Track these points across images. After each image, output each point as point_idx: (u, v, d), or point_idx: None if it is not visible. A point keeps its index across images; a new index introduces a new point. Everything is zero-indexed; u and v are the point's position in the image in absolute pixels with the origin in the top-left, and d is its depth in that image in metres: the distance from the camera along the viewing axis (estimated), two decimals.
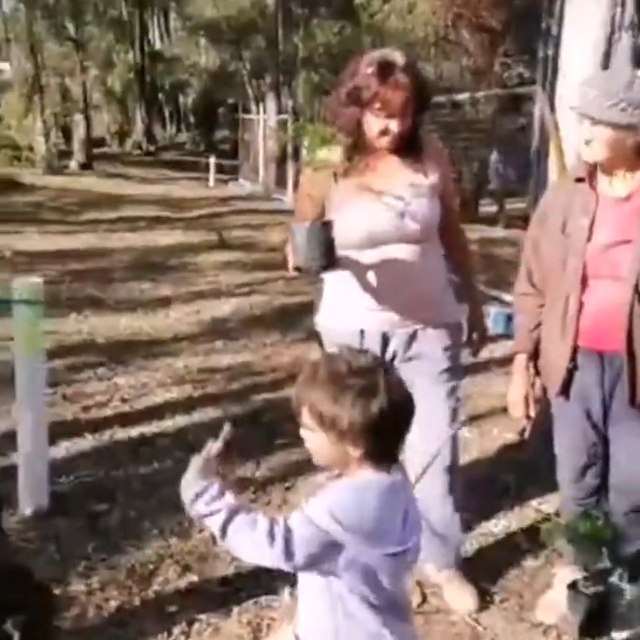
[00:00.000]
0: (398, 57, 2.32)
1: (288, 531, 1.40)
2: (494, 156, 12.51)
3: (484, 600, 2.61)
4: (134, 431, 4.16)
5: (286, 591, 2.66)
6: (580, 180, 2.34)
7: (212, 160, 20.84)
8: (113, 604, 2.64)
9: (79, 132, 23.00)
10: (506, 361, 4.68)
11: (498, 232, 11.04)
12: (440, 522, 2.56)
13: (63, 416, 4.22)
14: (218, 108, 34.37)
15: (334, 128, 2.50)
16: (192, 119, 36.61)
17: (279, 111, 20.04)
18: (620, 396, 2.29)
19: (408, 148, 2.41)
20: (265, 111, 20.26)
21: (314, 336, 5.84)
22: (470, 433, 3.94)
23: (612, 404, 2.32)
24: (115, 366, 5.28)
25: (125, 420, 4.31)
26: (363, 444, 1.47)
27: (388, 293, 2.47)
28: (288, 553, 1.39)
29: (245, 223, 13.03)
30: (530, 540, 2.95)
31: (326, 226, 2.27)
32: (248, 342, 5.95)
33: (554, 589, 2.58)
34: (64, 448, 3.86)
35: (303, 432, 1.54)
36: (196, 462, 1.50)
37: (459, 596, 2.59)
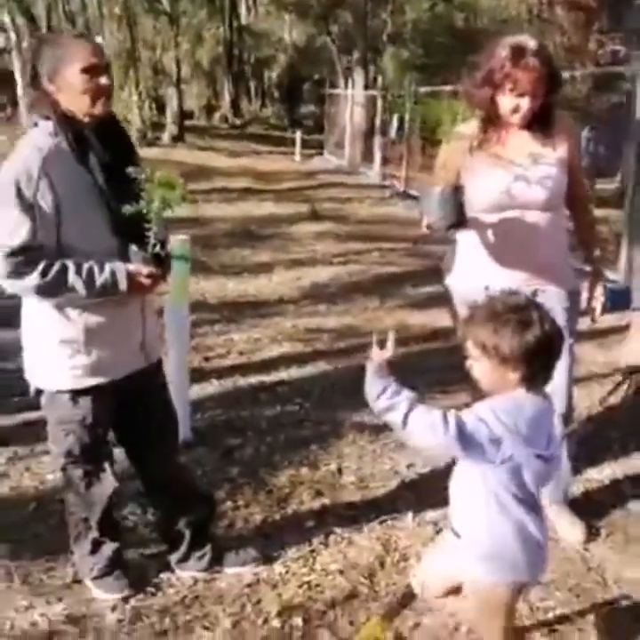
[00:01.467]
0: (531, 42, 2.57)
1: (460, 420, 1.71)
2: (585, 134, 12.40)
3: (591, 533, 2.89)
4: (254, 379, 4.55)
5: (410, 515, 2.99)
6: None
7: (299, 134, 21.14)
8: (257, 517, 3.03)
9: (172, 106, 23.62)
10: (605, 332, 4.92)
11: None
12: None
13: (191, 363, 4.63)
14: (302, 84, 34.62)
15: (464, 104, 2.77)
16: (276, 94, 36.96)
17: (366, 86, 20.20)
18: None
19: (539, 123, 2.66)
20: (353, 86, 20.41)
21: (412, 303, 6.19)
22: (576, 393, 4.18)
23: None
24: (228, 323, 5.70)
25: (245, 370, 4.71)
26: (520, 368, 1.77)
27: (511, 254, 2.73)
28: (460, 437, 1.70)
29: (333, 196, 13.32)
30: (634, 487, 3.21)
31: (457, 190, 2.57)
32: (349, 307, 6.27)
33: None
34: (194, 391, 4.26)
35: (469, 362, 1.84)
36: (371, 367, 1.79)
37: (568, 528, 2.88)
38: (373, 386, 1.77)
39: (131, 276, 2.22)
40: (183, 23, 28.08)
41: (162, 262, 2.29)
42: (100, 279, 2.19)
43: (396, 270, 7.65)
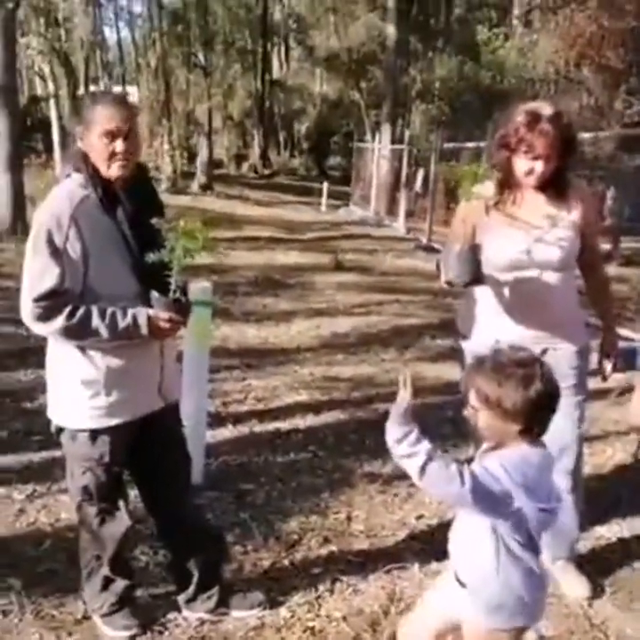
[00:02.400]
0: (546, 108, 2.69)
1: (474, 475, 1.77)
2: (611, 193, 12.53)
3: (596, 590, 2.90)
4: (270, 426, 4.62)
5: (416, 566, 3.03)
6: None
7: (325, 185, 21.50)
8: (266, 562, 3.08)
9: (202, 155, 24.14)
10: (618, 392, 4.92)
11: (611, 269, 11.08)
12: (560, 516, 2.85)
13: (208, 408, 4.71)
14: (331, 136, 35.29)
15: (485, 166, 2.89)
16: (305, 145, 37.68)
17: (393, 140, 20.57)
18: None
19: (554, 186, 2.76)
20: (380, 140, 20.79)
21: (429, 355, 6.25)
22: (585, 451, 4.19)
23: None
24: (247, 370, 5.79)
25: (261, 416, 4.78)
26: (521, 422, 1.83)
27: (523, 311, 2.81)
28: (474, 492, 1.75)
29: (358, 248, 13.47)
30: None
31: (474, 248, 2.69)
32: (367, 357, 6.34)
33: None
34: (210, 435, 4.34)
35: (469, 412, 1.91)
36: (394, 411, 1.83)
37: (572, 584, 2.90)
38: (395, 430, 1.80)
39: (152, 321, 2.33)
40: (217, 76, 28.88)
41: (181, 308, 2.40)
42: (122, 323, 2.30)
43: (415, 322, 7.73)
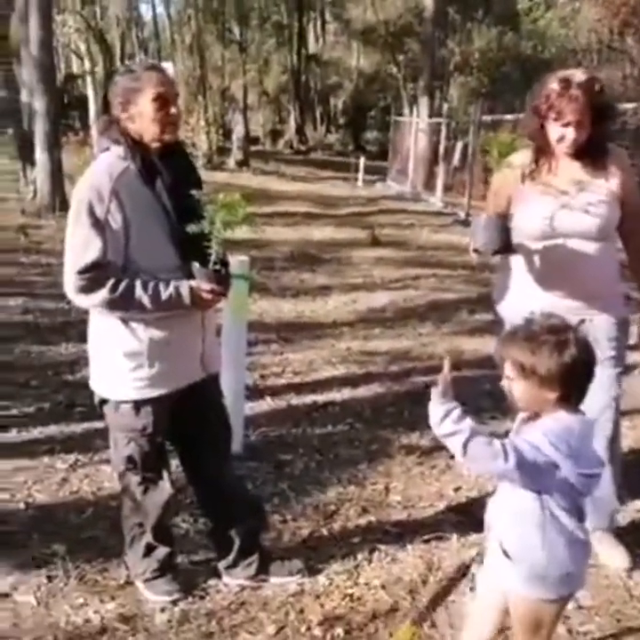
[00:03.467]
0: (579, 75, 2.64)
1: (517, 451, 1.75)
2: None
3: (635, 562, 2.88)
4: (307, 399, 4.65)
5: (454, 536, 3.04)
6: None
7: (362, 160, 21.35)
8: (304, 531, 3.12)
9: (238, 131, 24.15)
10: None
11: None
12: (599, 487, 2.83)
13: (246, 381, 4.75)
14: (368, 111, 35.00)
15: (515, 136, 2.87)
16: (342, 120, 37.43)
17: (431, 114, 20.32)
18: None
19: (590, 154, 2.71)
20: (418, 114, 20.55)
21: (466, 329, 6.21)
22: (622, 425, 4.14)
23: None
24: (284, 344, 5.83)
25: (298, 389, 4.81)
26: (557, 389, 1.82)
27: (556, 281, 2.77)
28: (519, 468, 1.74)
29: (394, 223, 13.39)
30: None
31: (503, 217, 2.68)
32: (403, 331, 6.34)
33: None
34: (248, 407, 4.38)
35: (505, 382, 1.90)
36: (435, 391, 1.83)
37: (612, 555, 2.89)
38: (437, 409, 1.80)
39: (194, 292, 2.35)
40: (252, 51, 28.76)
41: (222, 280, 2.41)
42: (165, 294, 2.32)
43: (452, 296, 7.69)
